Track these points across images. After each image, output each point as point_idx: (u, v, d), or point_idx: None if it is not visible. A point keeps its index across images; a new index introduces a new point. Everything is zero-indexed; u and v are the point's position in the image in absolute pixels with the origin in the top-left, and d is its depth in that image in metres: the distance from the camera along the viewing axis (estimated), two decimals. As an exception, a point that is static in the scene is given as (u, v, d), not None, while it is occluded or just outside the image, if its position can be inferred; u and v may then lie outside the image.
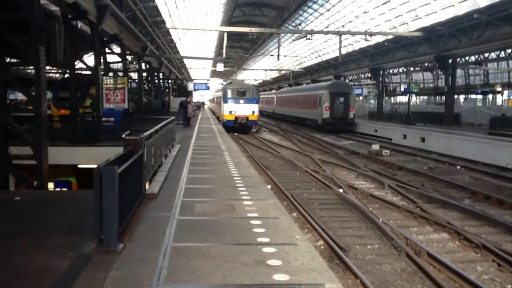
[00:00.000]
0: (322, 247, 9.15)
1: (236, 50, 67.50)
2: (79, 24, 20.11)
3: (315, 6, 41.97)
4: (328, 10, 40.80)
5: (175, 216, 6.76)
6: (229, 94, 35.54)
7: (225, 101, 35.29)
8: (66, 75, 29.90)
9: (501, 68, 46.43)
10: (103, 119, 18.24)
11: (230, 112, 34.79)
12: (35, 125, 12.04)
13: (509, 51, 41.66)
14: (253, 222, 6.43)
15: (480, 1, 24.94)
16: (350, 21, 39.25)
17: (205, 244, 5.47)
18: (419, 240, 9.46)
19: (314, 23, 44.65)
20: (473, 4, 25.51)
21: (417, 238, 9.73)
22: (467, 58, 43.76)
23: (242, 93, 35.47)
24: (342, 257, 8.28)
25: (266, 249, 5.23)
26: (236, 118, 34.67)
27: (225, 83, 64.88)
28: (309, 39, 30.88)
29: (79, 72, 24.25)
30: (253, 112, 35.16)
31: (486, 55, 43.87)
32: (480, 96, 51.79)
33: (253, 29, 33.02)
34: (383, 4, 32.74)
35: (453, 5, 27.32)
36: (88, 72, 21.68)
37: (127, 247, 5.31)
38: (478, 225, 11.02)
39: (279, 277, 4.45)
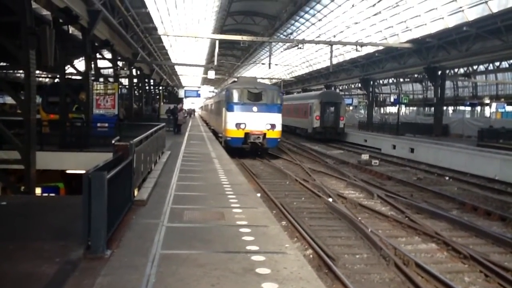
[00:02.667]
0: (311, 256, 9.14)
1: (228, 58, 67.64)
2: (70, 29, 20.04)
3: (306, 16, 42.28)
4: (320, 20, 41.10)
5: (164, 223, 6.73)
6: (236, 97, 23.92)
7: (229, 108, 23.78)
8: (56, 80, 29.77)
9: (489, 80, 47.09)
10: (98, 124, 18.15)
11: (238, 125, 23.19)
12: (24, 130, 11.93)
13: (497, 64, 42.32)
14: (242, 230, 6.41)
15: (469, 14, 25.29)
16: (341, 32, 39.55)
17: (194, 251, 5.44)
18: (408, 250, 9.48)
19: (305, 32, 44.92)
20: (462, 17, 25.86)
21: (405, 248, 9.75)
22: (456, 70, 44.32)
23: (256, 96, 23.99)
24: (331, 266, 8.27)
25: (255, 257, 5.21)
26: (247, 135, 23.18)
27: (216, 90, 64.48)
28: (300, 48, 30.93)
29: (69, 77, 24.13)
30: (274, 127, 23.47)
31: (475, 67, 44.49)
32: (468, 108, 52.48)
33: (245, 38, 33.12)
34: (374, 15, 33.05)
35: (442, 18, 27.67)
36: (79, 77, 21.58)
37: (115, 253, 5.27)
38: (466, 236, 11.08)
39: (268, 285, 4.44)
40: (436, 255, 9.67)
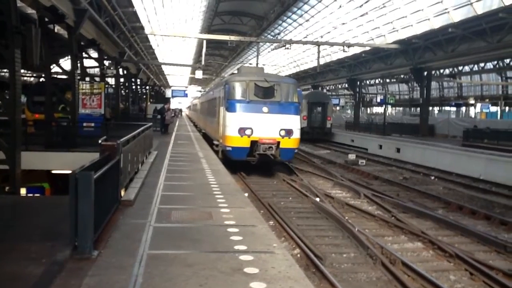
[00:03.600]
0: (299, 255, 9.16)
1: (215, 58, 67.52)
2: (56, 27, 19.85)
3: (294, 17, 42.37)
4: (307, 20, 41.22)
5: (151, 223, 6.70)
6: (239, 93, 18.33)
7: (230, 108, 18.09)
8: (42, 79, 29.47)
9: (474, 81, 47.64)
10: (84, 124, 18.01)
11: (242, 131, 17.59)
12: (9, 129, 11.80)
13: (482, 65, 42.84)
14: (230, 230, 6.41)
15: (454, 16, 25.55)
16: (329, 32, 39.72)
17: (182, 251, 5.43)
18: (394, 249, 9.55)
19: (293, 33, 45.02)
20: (448, 18, 26.12)
21: (392, 247, 9.82)
22: (441, 71, 44.76)
23: (267, 91, 18.42)
24: (319, 266, 8.30)
25: (243, 257, 5.22)
26: (255, 144, 17.63)
27: (203, 90, 64.14)
28: (288, 48, 30.91)
29: (55, 76, 23.89)
30: (290, 133, 17.88)
31: (460, 68, 44.98)
32: (454, 108, 53.07)
33: (233, 37, 33.08)
34: (361, 16, 33.25)
35: (428, 19, 27.91)
36: (64, 77, 21.38)
37: (102, 254, 5.23)
38: (452, 235, 11.20)
39: (256, 285, 4.44)
40: (422, 253, 9.76)
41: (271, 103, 18.00)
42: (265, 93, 18.30)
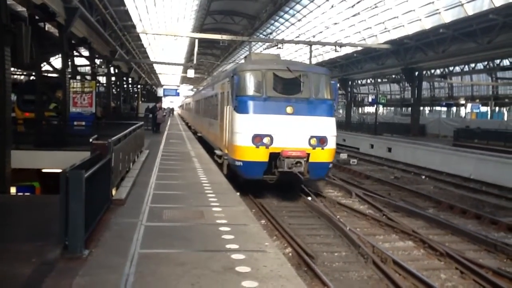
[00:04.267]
0: (291, 254, 9.18)
1: (207, 57, 67.41)
2: (47, 26, 19.70)
3: (286, 16, 42.40)
4: (299, 20, 41.26)
5: (142, 222, 6.67)
6: (252, 87, 13.93)
7: (240, 108, 13.61)
8: (32, 78, 29.23)
9: (464, 81, 47.93)
10: (75, 123, 17.90)
11: (257, 139, 13.12)
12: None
13: (472, 65, 43.13)
14: (222, 228, 6.40)
15: (446, 17, 25.70)
16: (321, 32, 39.78)
17: (173, 250, 5.41)
18: (385, 248, 9.60)
19: (285, 32, 45.04)
20: (439, 19, 26.26)
21: (383, 246, 9.87)
22: (432, 71, 45.01)
23: (292, 84, 13.90)
24: (310, 264, 8.32)
25: (235, 256, 5.21)
26: (276, 158, 13.22)
27: (195, 89, 63.87)
28: (280, 48, 30.96)
29: (46, 74, 23.71)
30: (324, 142, 13.46)
31: (451, 68, 45.27)
32: (444, 108, 53.36)
33: (225, 37, 33.01)
34: (353, 16, 33.33)
35: (420, 19, 28.05)
36: (55, 75, 21.24)
37: (93, 253, 5.20)
38: (442, 234, 11.27)
39: (248, 283, 4.43)
40: (413, 252, 9.81)
41: (297, 101, 13.44)
42: (288, 87, 13.68)
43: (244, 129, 13.19)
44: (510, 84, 44.30)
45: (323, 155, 13.30)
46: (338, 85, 22.77)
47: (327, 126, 13.57)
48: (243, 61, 20.52)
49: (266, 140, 12.94)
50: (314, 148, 13.11)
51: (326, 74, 14.53)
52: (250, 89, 13.75)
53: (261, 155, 12.97)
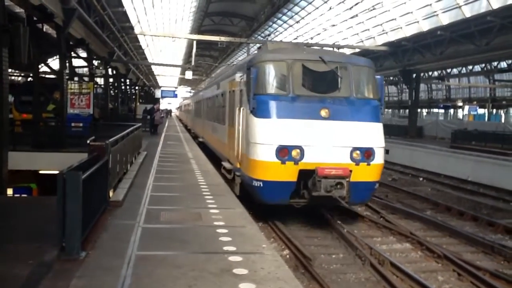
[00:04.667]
0: (288, 256, 9.17)
1: (205, 58, 67.34)
2: (45, 27, 19.67)
3: (284, 18, 42.45)
4: (297, 22, 41.29)
5: (140, 224, 6.66)
6: (275, 83, 10.90)
7: (260, 111, 10.42)
8: (30, 79, 29.20)
9: (462, 83, 48.02)
10: (72, 124, 17.87)
11: (283, 153, 10.04)
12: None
13: (470, 67, 43.23)
14: (219, 230, 6.40)
15: (443, 19, 25.78)
16: (318, 34, 39.84)
17: (171, 252, 5.40)
18: (383, 250, 9.59)
19: (283, 34, 45.09)
20: (436, 21, 26.34)
21: (380, 248, 9.86)
22: (430, 73, 45.10)
23: (326, 79, 10.99)
24: (307, 266, 8.32)
25: (233, 258, 5.21)
26: (306, 176, 10.21)
27: (194, 91, 63.82)
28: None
29: (43, 75, 23.68)
30: (370, 155, 10.57)
31: (448, 70, 45.34)
32: (442, 110, 53.45)
33: (223, 38, 33.02)
34: (351, 18, 33.39)
35: (417, 21, 28.13)
36: (53, 76, 21.20)
37: (90, 255, 5.19)
38: (440, 236, 11.27)
39: (245, 286, 4.43)
40: (410, 254, 9.81)
41: (334, 102, 10.58)
42: (322, 82, 10.90)
43: (265, 139, 10.11)
44: (508, 86, 44.41)
45: (369, 173, 10.54)
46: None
47: (373, 134, 10.75)
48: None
49: (294, 153, 9.98)
50: (357, 164, 10.32)
51: (370, 67, 11.60)
52: (273, 86, 10.74)
53: (288, 174, 10.03)
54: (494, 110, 48.50)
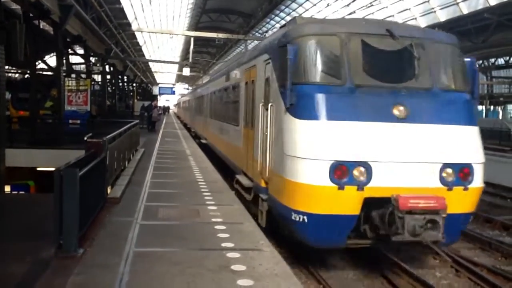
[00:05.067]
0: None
1: (203, 55, 67.34)
2: (42, 23, 19.59)
3: (282, 15, 42.38)
4: (295, 18, 41.22)
5: (138, 220, 6.64)
6: (321, 68, 7.18)
7: (302, 110, 6.94)
8: (26, 76, 29.09)
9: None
10: (70, 121, 17.83)
11: (340, 172, 6.55)
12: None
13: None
14: (217, 227, 6.39)
15: (441, 15, 25.77)
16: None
17: (169, 249, 5.39)
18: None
19: (281, 31, 44.97)
20: (434, 17, 26.33)
21: (378, 244, 9.85)
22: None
23: (397, 61, 7.41)
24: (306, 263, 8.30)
25: (231, 254, 5.20)
26: (374, 207, 6.73)
27: (191, 88, 63.67)
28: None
29: (40, 72, 23.59)
30: (467, 176, 7.02)
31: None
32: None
33: (220, 35, 32.99)
34: (348, 14, 33.20)
35: (415, 18, 28.11)
36: (50, 73, 21.12)
37: (88, 252, 5.18)
38: (437, 232, 11.27)
39: (243, 282, 4.43)
40: (408, 251, 9.81)
41: (411, 95, 7.22)
42: (392, 66, 7.56)
43: (312, 152, 6.75)
44: (505, 83, 44.47)
45: (466, 201, 7.22)
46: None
47: (470, 143, 7.27)
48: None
49: (357, 173, 6.68)
50: (450, 189, 6.96)
51: (454, 44, 8.07)
52: (321, 72, 7.24)
53: (348, 204, 6.74)
54: (492, 107, 48.58)
